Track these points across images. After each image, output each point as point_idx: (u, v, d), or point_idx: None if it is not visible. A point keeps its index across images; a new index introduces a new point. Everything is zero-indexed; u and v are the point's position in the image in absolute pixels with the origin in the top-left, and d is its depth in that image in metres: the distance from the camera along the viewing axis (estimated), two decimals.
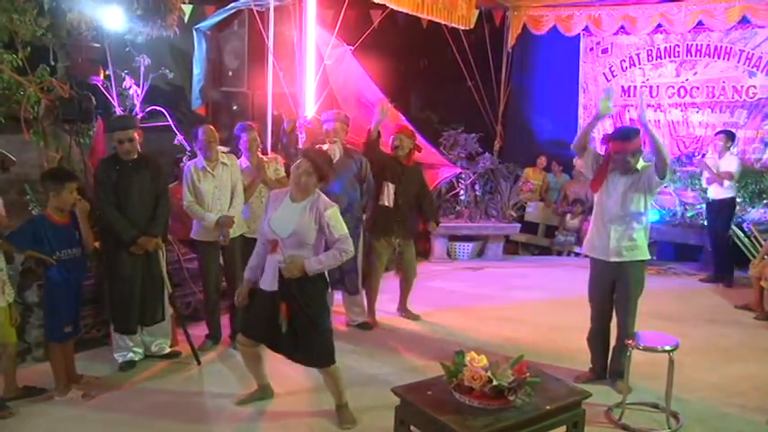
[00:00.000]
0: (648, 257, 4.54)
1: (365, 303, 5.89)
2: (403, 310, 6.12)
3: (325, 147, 5.46)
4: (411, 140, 5.86)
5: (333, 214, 3.76)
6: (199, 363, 4.87)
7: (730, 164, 7.34)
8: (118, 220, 4.56)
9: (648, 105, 9.14)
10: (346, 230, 3.81)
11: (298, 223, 3.73)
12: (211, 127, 5.19)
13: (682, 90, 9.04)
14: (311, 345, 3.81)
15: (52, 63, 5.53)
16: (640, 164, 4.40)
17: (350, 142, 5.93)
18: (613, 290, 4.53)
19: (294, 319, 3.77)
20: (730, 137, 7.52)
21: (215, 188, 5.03)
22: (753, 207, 8.17)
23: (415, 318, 6.05)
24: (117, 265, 4.63)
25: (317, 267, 3.74)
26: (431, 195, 6.41)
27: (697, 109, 8.96)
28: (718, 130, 7.96)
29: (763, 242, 7.33)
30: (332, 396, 4.03)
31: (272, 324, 3.78)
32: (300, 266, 3.70)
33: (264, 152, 6.91)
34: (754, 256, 7.03)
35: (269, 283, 3.83)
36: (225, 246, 5.10)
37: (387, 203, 5.73)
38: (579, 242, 9.00)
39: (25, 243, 4.16)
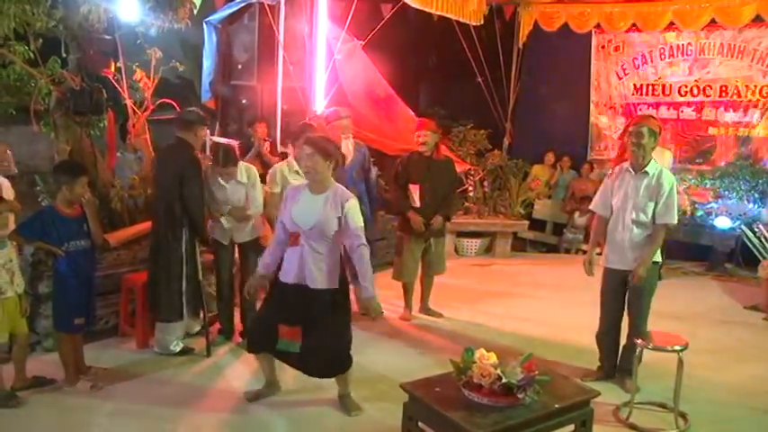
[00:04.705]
0: (660, 260, 4.53)
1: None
2: (425, 308, 6.07)
3: (343, 144, 5.48)
4: (436, 134, 5.73)
5: (352, 206, 3.81)
6: (209, 355, 4.90)
7: (660, 158, 7.17)
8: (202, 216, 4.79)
9: (661, 104, 9.13)
10: (362, 223, 3.87)
11: (321, 215, 3.77)
12: (228, 148, 4.98)
13: (695, 89, 8.95)
14: (330, 340, 3.83)
15: (63, 55, 5.54)
16: (652, 166, 4.41)
17: (355, 135, 5.95)
18: (625, 292, 4.53)
19: (314, 315, 3.81)
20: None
21: (228, 199, 4.96)
22: (764, 207, 8.11)
23: (438, 315, 5.99)
24: (195, 256, 4.83)
25: (371, 285, 3.81)
26: (456, 193, 6.27)
27: (710, 108, 8.90)
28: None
29: None
30: (337, 385, 4.09)
31: (282, 346, 3.85)
32: (375, 305, 3.81)
33: (273, 148, 6.94)
34: (764, 257, 6.99)
35: (291, 275, 3.86)
36: (241, 247, 5.12)
37: (415, 204, 5.69)
38: (587, 240, 8.97)
39: (34, 234, 4.17)
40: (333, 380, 4.08)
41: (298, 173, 4.89)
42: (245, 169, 5.00)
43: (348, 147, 5.55)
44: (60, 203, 4.22)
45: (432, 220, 5.67)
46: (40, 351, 4.80)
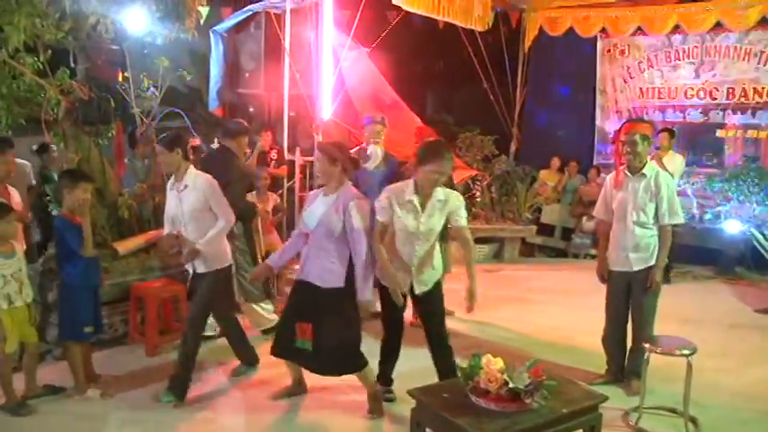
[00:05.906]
0: (665, 262, 4.52)
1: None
2: None
3: (369, 149, 5.54)
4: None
5: (355, 206, 3.87)
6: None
7: (672, 163, 7.16)
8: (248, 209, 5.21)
9: (667, 107, 9.12)
10: (363, 225, 3.89)
11: (324, 215, 3.89)
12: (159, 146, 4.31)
13: (701, 92, 8.94)
14: (338, 339, 3.90)
15: (72, 65, 5.59)
16: (649, 168, 4.41)
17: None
18: (629, 294, 4.52)
19: (322, 313, 3.89)
20: (672, 135, 7.37)
21: (176, 213, 4.32)
22: None
23: (450, 313, 6.00)
24: (250, 248, 5.31)
25: (365, 287, 3.89)
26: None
27: (717, 111, 8.87)
28: (661, 128, 7.61)
29: None
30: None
31: (299, 344, 3.95)
32: (365, 309, 3.95)
33: (281, 156, 6.95)
34: None
35: (302, 273, 4.02)
36: (200, 278, 4.36)
37: None
38: (596, 245, 8.94)
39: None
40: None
41: (412, 203, 3.95)
42: (194, 175, 4.28)
43: (377, 152, 5.57)
44: (66, 212, 4.23)
45: None
46: (51, 360, 4.82)
